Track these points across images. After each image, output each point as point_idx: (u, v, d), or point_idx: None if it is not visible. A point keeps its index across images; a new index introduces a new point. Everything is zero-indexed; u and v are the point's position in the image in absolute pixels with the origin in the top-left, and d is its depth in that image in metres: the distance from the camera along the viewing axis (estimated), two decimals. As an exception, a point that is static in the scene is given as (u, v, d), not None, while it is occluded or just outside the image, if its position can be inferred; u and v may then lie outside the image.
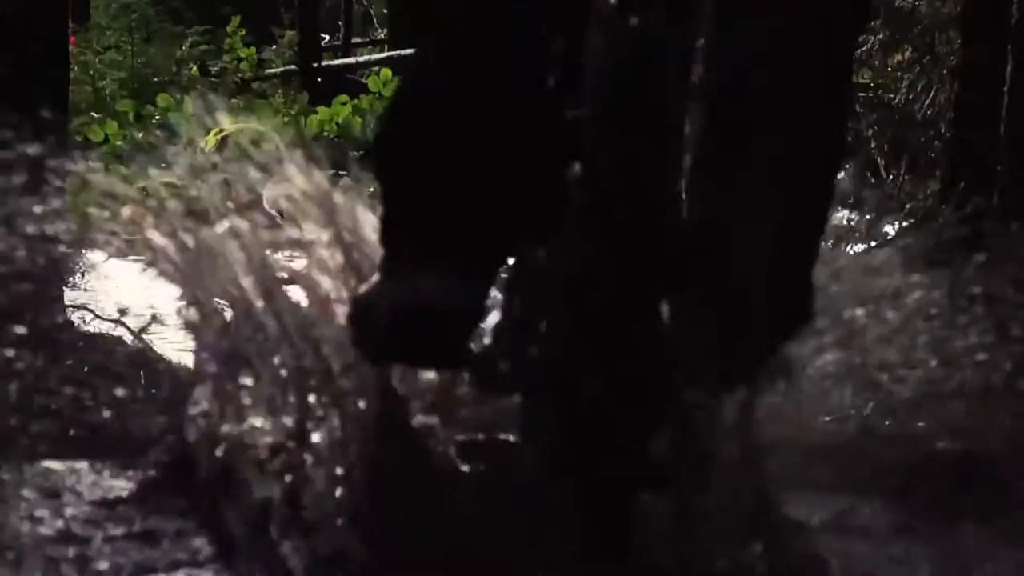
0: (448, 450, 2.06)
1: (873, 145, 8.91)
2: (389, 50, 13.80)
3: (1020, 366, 3.96)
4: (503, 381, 2.05)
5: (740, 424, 2.07)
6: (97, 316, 6.41)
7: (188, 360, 6.58)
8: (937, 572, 1.75)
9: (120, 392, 5.11)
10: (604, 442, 1.87)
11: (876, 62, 9.51)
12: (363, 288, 2.26)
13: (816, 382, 2.96)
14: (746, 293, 2.00)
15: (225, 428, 2.23)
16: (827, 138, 2.34)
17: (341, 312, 2.33)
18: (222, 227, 2.94)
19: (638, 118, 1.93)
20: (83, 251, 9.36)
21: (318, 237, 2.87)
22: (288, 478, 2.02)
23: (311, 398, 2.18)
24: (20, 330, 5.28)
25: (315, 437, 2.11)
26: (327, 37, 17.01)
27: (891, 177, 8.74)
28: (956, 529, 1.95)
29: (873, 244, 7.94)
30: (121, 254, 9.55)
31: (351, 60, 14.10)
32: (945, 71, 8.50)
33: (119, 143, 12.23)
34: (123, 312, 6.75)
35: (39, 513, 1.85)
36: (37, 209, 5.34)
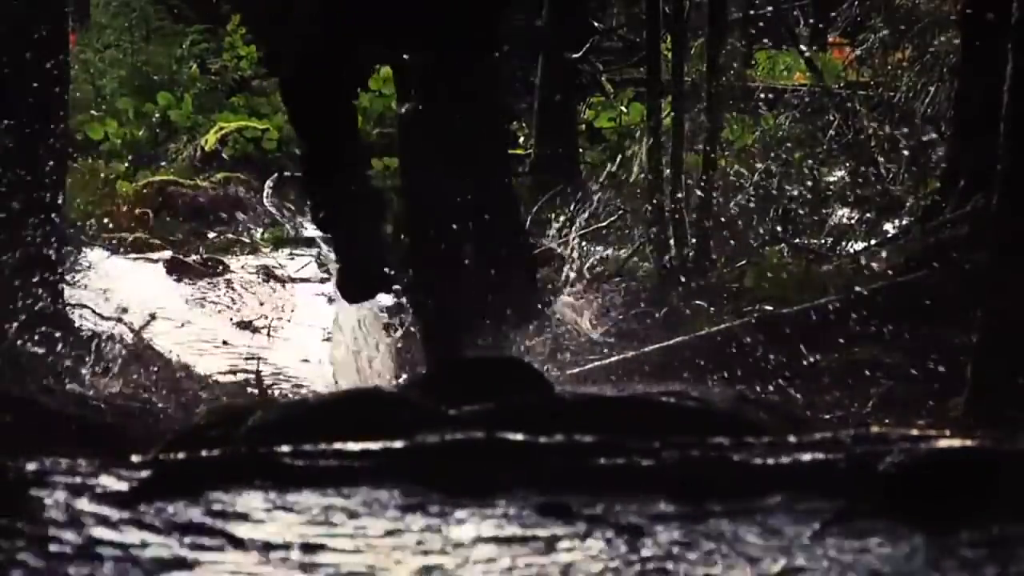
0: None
1: (873, 144, 8.91)
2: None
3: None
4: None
5: None
6: (98, 315, 6.42)
7: (186, 357, 6.56)
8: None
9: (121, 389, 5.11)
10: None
11: (876, 60, 9.51)
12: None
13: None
14: None
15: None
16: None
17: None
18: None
19: None
20: (84, 249, 9.32)
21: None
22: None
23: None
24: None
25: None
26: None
27: (891, 176, 8.74)
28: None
29: (874, 242, 7.95)
30: (121, 252, 9.53)
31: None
32: (945, 70, 8.50)
33: (119, 141, 12.24)
34: (123, 311, 6.77)
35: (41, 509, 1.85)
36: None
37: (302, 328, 7.59)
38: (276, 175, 11.07)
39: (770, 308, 6.46)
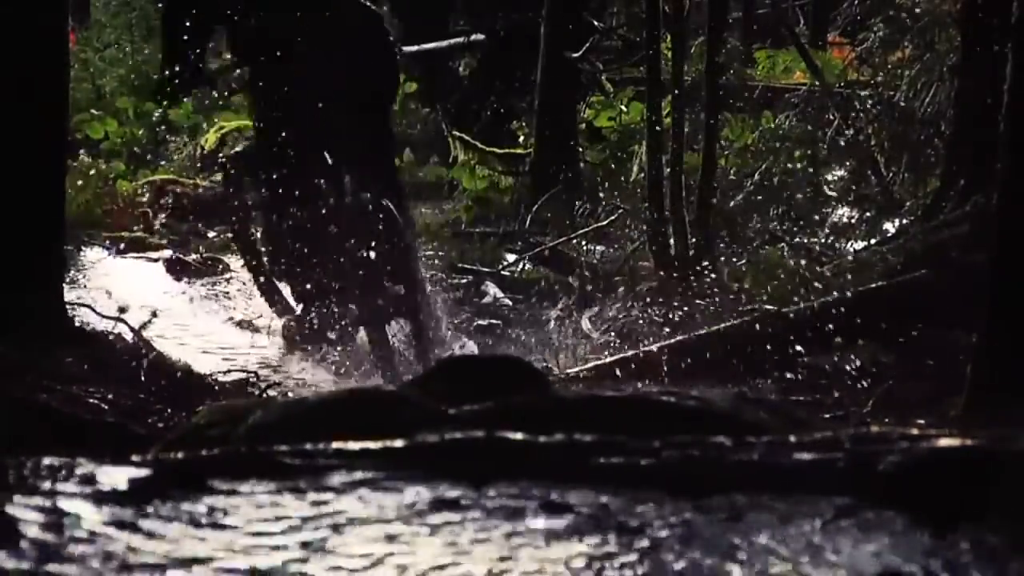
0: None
1: (873, 143, 8.91)
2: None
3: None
4: None
5: None
6: (98, 314, 6.41)
7: (186, 357, 6.55)
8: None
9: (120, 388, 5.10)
10: None
11: (876, 60, 9.51)
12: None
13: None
14: None
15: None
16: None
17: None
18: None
19: None
20: (84, 249, 9.32)
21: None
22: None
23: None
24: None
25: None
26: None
27: (891, 175, 8.74)
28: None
29: (874, 241, 7.95)
30: (121, 252, 9.56)
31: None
32: (945, 69, 8.50)
33: (119, 140, 12.24)
34: (123, 310, 6.76)
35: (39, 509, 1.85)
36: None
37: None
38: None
39: (770, 308, 6.46)
